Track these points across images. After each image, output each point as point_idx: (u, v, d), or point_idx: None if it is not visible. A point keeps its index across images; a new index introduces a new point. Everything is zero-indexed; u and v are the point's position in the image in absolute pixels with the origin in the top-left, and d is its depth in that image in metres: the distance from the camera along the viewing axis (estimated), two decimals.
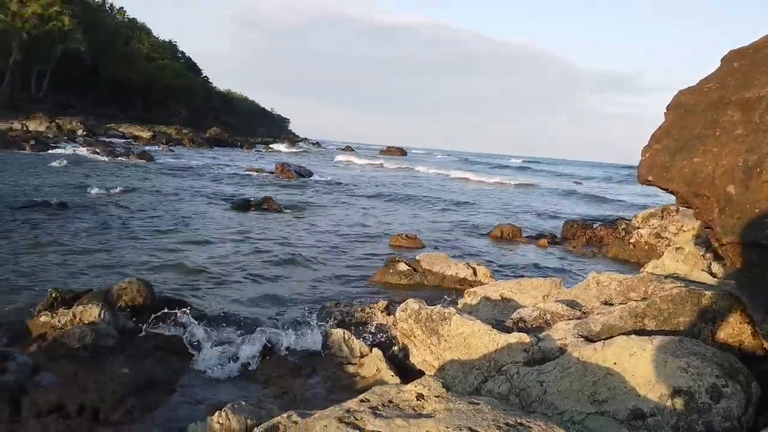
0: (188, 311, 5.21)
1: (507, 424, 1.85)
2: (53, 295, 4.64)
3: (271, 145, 61.59)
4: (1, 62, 47.78)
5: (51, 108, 47.54)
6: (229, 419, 2.84)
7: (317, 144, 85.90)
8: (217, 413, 2.87)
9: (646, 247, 9.69)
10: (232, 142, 55.39)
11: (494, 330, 3.53)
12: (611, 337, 3.03)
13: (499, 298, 4.90)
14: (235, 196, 14.42)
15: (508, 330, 3.72)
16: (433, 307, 3.84)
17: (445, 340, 3.68)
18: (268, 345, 4.38)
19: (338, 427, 1.88)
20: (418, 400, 2.03)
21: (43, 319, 4.33)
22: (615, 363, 2.68)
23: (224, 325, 4.97)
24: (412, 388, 2.09)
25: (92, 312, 4.29)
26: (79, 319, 4.25)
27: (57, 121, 38.41)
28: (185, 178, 18.79)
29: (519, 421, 1.87)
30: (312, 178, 23.15)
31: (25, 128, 34.11)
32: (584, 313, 3.82)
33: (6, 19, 46.91)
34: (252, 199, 13.79)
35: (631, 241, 10.01)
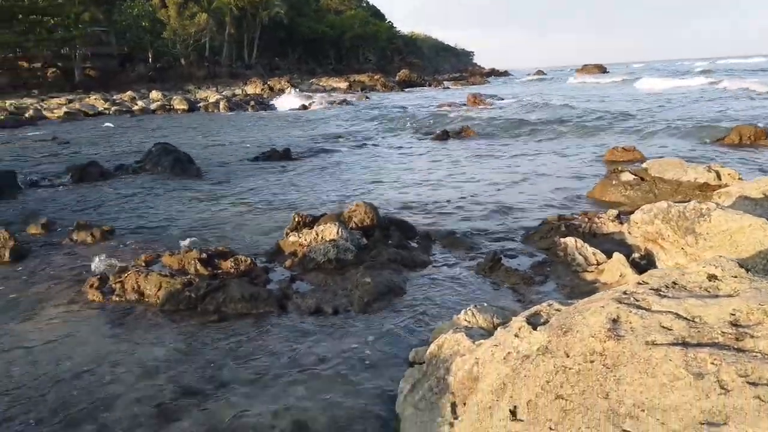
0: (413, 228, 5.44)
1: None
2: (296, 219, 5.15)
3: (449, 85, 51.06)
4: (218, 38, 54.47)
5: (261, 72, 53.41)
6: (475, 317, 2.85)
7: (505, 73, 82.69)
8: (463, 311, 2.90)
9: None
10: (420, 82, 55.97)
11: None
12: None
13: (762, 196, 4.17)
14: (434, 129, 14.55)
15: None
16: (686, 204, 3.40)
17: (704, 239, 3.23)
18: (497, 257, 4.32)
19: (618, 307, 1.71)
20: (710, 281, 1.77)
21: (291, 239, 4.84)
22: None
23: (448, 240, 5.06)
24: (700, 269, 1.82)
25: (331, 231, 4.67)
26: (321, 238, 4.66)
27: (268, 83, 43.15)
28: (384, 117, 19.49)
29: None
30: (504, 101, 22.45)
31: (244, 92, 38.90)
32: None
33: None
34: (450, 129, 13.84)
35: None
